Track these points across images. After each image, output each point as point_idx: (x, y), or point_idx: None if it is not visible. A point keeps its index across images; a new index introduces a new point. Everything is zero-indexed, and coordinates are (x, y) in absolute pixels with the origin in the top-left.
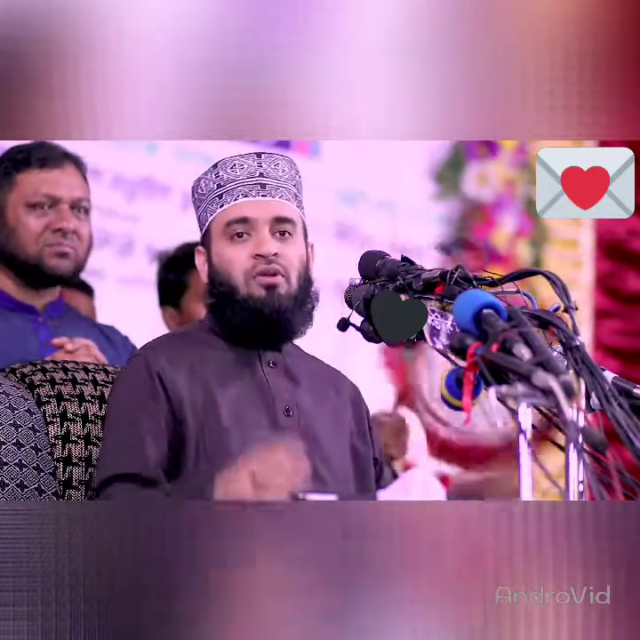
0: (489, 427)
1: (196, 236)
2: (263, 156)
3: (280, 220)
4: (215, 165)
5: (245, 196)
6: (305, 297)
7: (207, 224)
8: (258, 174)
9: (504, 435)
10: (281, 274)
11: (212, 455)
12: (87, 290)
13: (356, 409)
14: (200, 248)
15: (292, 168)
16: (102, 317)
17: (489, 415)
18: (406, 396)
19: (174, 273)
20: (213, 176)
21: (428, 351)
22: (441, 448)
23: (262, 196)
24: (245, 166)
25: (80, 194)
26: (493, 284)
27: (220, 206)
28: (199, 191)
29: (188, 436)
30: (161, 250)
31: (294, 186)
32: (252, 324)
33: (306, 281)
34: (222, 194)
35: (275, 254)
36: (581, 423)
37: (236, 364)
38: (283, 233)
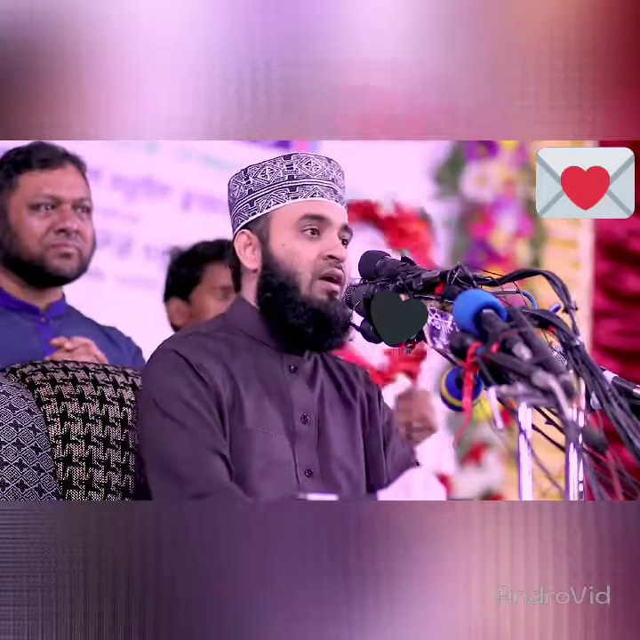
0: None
1: (195, 235)
2: (332, 162)
3: (346, 228)
4: (288, 157)
5: (322, 196)
6: (345, 307)
7: (267, 211)
8: (331, 179)
9: None
10: (342, 283)
11: (235, 453)
12: None
13: (371, 405)
14: (247, 231)
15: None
16: (102, 317)
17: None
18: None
19: (188, 267)
20: (285, 166)
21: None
22: None
23: (335, 201)
24: (320, 167)
25: (82, 194)
26: (493, 283)
27: (293, 198)
28: (260, 177)
29: (225, 430)
30: (173, 245)
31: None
32: (311, 327)
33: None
34: (296, 186)
35: (344, 261)
36: (581, 423)
37: (259, 367)
38: (344, 241)
